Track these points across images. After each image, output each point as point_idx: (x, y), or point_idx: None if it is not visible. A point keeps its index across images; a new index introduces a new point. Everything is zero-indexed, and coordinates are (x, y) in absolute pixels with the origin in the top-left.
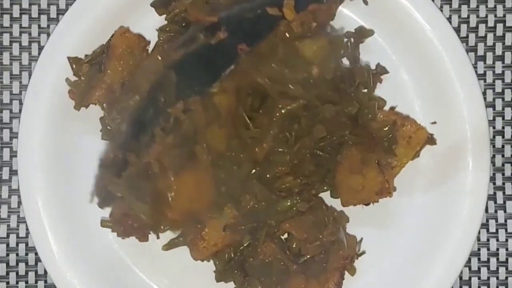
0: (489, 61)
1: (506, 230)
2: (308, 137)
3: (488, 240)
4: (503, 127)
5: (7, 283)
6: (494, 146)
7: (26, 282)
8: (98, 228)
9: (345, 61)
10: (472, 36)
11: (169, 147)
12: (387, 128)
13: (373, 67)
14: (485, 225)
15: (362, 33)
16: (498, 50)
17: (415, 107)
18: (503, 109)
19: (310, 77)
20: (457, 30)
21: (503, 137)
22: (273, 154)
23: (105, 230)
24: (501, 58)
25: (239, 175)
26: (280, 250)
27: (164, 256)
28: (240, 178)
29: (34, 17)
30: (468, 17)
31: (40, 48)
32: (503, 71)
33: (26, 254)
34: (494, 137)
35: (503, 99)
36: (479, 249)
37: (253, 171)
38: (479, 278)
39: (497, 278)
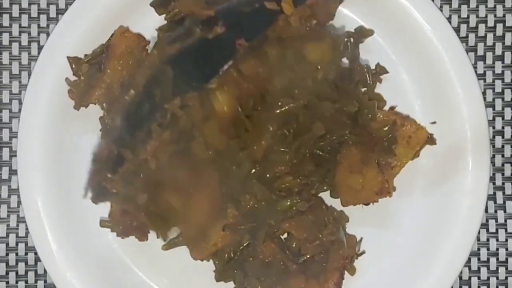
0: (489, 61)
1: (506, 230)
2: (307, 135)
3: (488, 240)
4: (503, 127)
5: (7, 282)
6: (494, 146)
7: (26, 281)
8: (97, 228)
9: (345, 60)
10: (472, 36)
11: (166, 143)
12: (387, 128)
13: (372, 67)
14: (485, 225)
15: (362, 33)
16: (498, 50)
17: (415, 107)
18: (503, 109)
19: (315, 80)
20: (457, 30)
21: (503, 137)
22: (272, 154)
23: (105, 229)
24: (501, 58)
25: (239, 175)
26: (280, 250)
27: (164, 255)
28: (239, 178)
29: (34, 17)
30: (468, 17)
31: (40, 48)
32: (503, 71)
33: (26, 254)
34: (494, 137)
35: (503, 99)
36: (479, 249)
37: (253, 171)
38: (479, 278)
39: (497, 278)
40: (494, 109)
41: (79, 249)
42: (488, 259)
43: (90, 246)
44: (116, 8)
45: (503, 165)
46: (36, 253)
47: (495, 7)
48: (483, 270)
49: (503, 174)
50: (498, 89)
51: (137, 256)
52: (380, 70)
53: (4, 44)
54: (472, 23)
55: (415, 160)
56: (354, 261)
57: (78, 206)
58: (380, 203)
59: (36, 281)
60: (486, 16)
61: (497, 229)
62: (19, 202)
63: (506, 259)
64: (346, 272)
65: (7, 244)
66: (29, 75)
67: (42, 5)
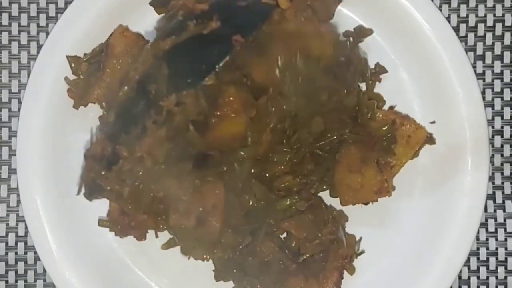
0: (488, 60)
1: (505, 229)
2: (307, 130)
3: (487, 239)
4: (502, 127)
5: (6, 282)
6: (493, 146)
7: (25, 280)
8: (97, 227)
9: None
10: (471, 36)
11: (161, 140)
12: (386, 127)
13: (372, 66)
14: (484, 225)
15: (361, 33)
16: (497, 50)
17: (414, 107)
18: (502, 108)
19: (317, 72)
20: (456, 29)
21: (502, 136)
22: (272, 153)
23: (104, 229)
24: (500, 57)
25: (240, 175)
26: (279, 249)
27: (164, 255)
28: (241, 177)
29: (33, 16)
30: (467, 16)
31: (39, 47)
32: (502, 71)
33: (25, 253)
34: (493, 136)
35: (502, 98)
36: (478, 249)
37: (252, 170)
38: (478, 277)
39: (496, 277)
40: (493, 108)
41: (78, 248)
42: (488, 258)
43: (90, 246)
44: (116, 7)
45: (502, 164)
46: (35, 252)
47: (494, 6)
48: (483, 269)
49: (502, 174)
50: (498, 88)
51: (137, 255)
52: (380, 70)
53: (3, 43)
54: (472, 23)
55: (415, 159)
56: (354, 261)
57: (77, 205)
58: (379, 202)
59: (35, 280)
60: (485, 16)
61: (496, 229)
62: (18, 201)
63: (506, 258)
64: (345, 272)
65: (7, 243)
66: (29, 74)
67: (42, 4)
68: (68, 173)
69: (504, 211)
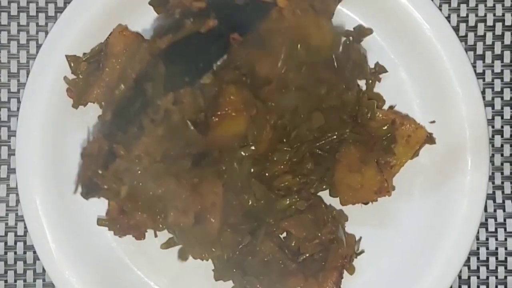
0: (488, 60)
1: (505, 229)
2: (307, 126)
3: (487, 239)
4: (502, 126)
5: (5, 281)
6: (493, 145)
7: (25, 280)
8: (96, 227)
9: None
10: (471, 35)
11: (159, 139)
12: (386, 127)
13: (372, 66)
14: (484, 224)
15: (361, 32)
16: (497, 49)
17: (414, 106)
18: (502, 108)
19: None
20: (456, 29)
21: (502, 136)
22: (272, 152)
23: (103, 228)
24: (500, 57)
25: (239, 174)
26: (279, 248)
27: (163, 254)
28: (241, 176)
29: (32, 15)
30: (467, 16)
31: (38, 47)
32: (502, 70)
33: (24, 253)
34: (493, 136)
35: (502, 98)
36: (478, 248)
37: (252, 169)
38: (478, 277)
39: (496, 277)
40: (493, 108)
41: (78, 248)
42: (488, 258)
43: (89, 245)
44: (115, 7)
45: (502, 164)
46: (34, 252)
47: (494, 6)
48: (483, 269)
49: (502, 173)
50: (498, 88)
51: (136, 255)
52: (379, 69)
53: (2, 43)
54: (471, 22)
55: (414, 159)
56: (353, 260)
57: (77, 205)
58: (379, 202)
59: (34, 280)
60: (485, 15)
61: (496, 228)
62: (17, 201)
63: (506, 258)
64: (345, 271)
65: (6, 243)
66: (28, 73)
67: (41, 3)
68: (67, 173)
69: (504, 210)
